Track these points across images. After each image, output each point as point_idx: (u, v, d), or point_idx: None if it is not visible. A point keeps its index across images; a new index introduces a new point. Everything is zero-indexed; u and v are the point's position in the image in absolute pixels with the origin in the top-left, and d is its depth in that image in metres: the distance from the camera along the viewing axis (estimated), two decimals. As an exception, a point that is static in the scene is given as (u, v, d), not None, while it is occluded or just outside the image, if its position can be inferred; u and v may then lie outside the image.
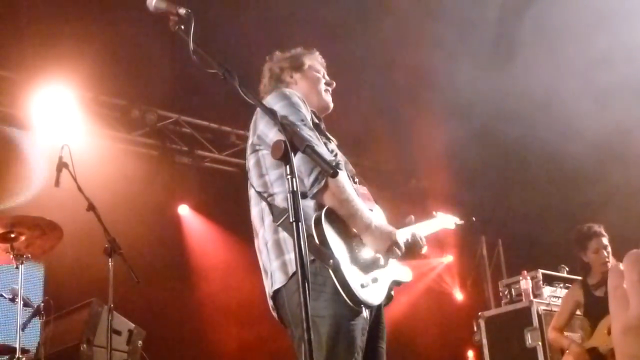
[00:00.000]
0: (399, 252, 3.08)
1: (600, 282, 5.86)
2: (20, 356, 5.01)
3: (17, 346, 5.02)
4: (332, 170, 2.50)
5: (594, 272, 5.94)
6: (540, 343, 6.89)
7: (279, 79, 3.61)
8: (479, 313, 7.69)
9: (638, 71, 7.79)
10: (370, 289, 2.97)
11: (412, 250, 3.32)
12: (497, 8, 7.89)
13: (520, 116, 8.49)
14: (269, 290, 3.14)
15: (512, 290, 7.64)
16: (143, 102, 8.93)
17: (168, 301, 8.64)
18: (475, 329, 7.74)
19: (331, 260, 2.84)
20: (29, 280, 6.34)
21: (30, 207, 7.46)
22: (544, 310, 7.07)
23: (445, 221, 3.98)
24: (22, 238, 5.27)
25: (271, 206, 3.10)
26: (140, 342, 6.45)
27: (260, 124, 3.22)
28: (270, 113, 2.73)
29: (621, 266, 0.83)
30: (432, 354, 10.65)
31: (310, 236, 2.86)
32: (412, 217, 3.44)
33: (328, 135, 3.39)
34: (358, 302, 2.89)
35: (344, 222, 3.01)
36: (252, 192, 3.25)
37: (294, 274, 2.96)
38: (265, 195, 3.14)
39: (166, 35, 2.77)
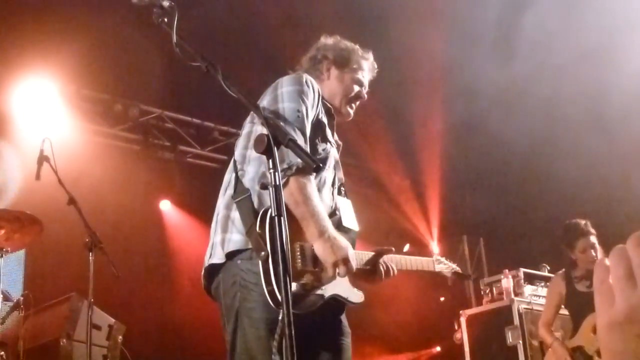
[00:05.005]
0: (345, 270, 2.87)
1: (584, 275, 5.81)
2: (-1, 350, 4.98)
3: (-4, 340, 5.00)
4: (314, 165, 2.46)
5: (579, 268, 5.89)
6: (520, 341, 6.91)
7: (315, 66, 3.48)
8: (460, 311, 7.71)
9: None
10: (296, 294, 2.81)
11: (372, 278, 3.20)
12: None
13: (504, 117, 8.51)
14: (206, 258, 3.07)
15: (494, 288, 7.67)
16: (126, 97, 8.89)
17: (148, 296, 8.60)
18: (456, 327, 7.76)
19: (262, 252, 2.73)
20: (8, 273, 6.28)
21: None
22: (525, 308, 7.10)
23: (440, 267, 3.76)
24: (2, 232, 5.24)
25: (237, 181, 3.04)
26: (120, 337, 6.42)
27: (265, 101, 3.11)
28: (255, 108, 2.71)
29: (607, 261, 0.83)
30: (408, 347, 10.71)
31: (253, 224, 2.82)
32: (408, 245, 3.33)
33: (329, 137, 3.22)
34: (277, 303, 2.72)
35: (297, 223, 2.88)
36: (233, 158, 3.17)
37: (230, 254, 2.91)
38: (239, 167, 3.07)
39: (150, 30, 2.74)
